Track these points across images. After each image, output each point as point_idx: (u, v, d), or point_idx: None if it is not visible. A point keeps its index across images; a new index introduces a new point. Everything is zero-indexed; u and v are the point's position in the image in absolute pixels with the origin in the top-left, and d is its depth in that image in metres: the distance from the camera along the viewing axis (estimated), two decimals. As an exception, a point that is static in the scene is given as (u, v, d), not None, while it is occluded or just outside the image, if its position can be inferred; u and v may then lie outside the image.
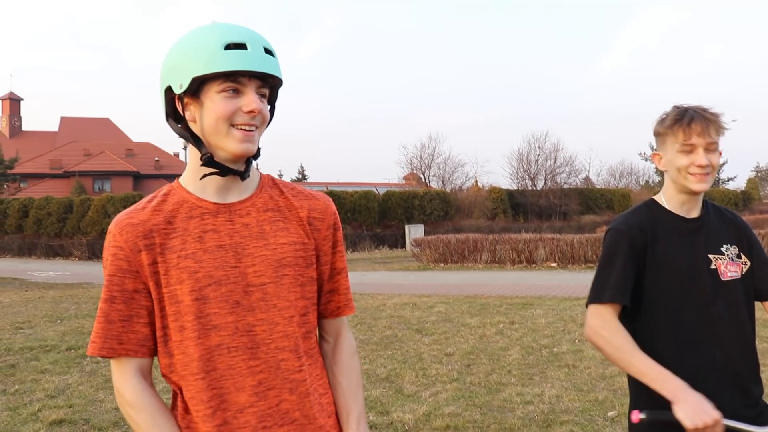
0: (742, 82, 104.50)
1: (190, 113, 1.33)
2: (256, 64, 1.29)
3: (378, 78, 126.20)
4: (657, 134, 1.92)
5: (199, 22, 1.41)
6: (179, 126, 1.36)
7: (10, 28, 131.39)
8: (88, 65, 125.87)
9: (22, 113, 66.08)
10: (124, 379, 1.33)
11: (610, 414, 4.62)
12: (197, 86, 1.29)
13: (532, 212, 39.55)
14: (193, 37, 1.31)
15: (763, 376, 2.01)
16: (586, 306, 1.89)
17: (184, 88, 1.29)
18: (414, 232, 28.40)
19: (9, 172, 41.77)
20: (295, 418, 1.35)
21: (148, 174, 54.07)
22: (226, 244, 1.34)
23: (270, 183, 1.47)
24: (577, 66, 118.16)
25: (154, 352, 1.36)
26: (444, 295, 11.67)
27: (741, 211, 42.51)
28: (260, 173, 1.48)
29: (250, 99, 1.30)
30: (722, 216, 1.99)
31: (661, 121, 1.90)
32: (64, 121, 64.52)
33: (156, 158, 56.33)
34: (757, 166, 66.59)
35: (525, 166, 44.06)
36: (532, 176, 43.69)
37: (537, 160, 43.78)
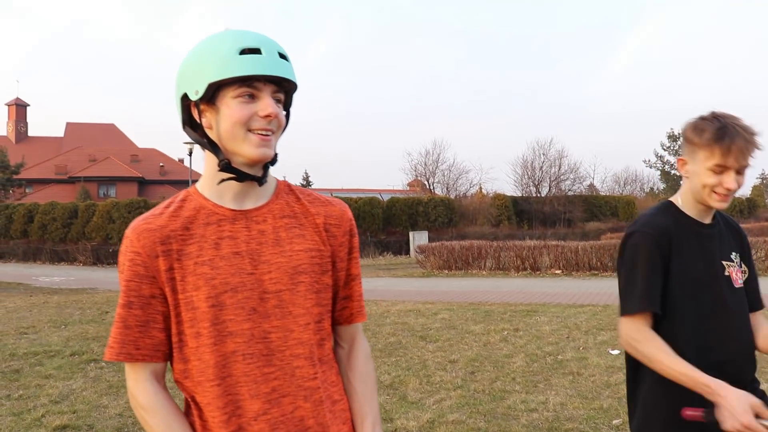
0: (749, 89, 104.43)
1: (207, 120, 1.33)
2: (271, 69, 1.29)
3: (382, 84, 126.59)
4: (690, 142, 1.83)
5: (205, 29, 1.41)
6: (196, 133, 1.37)
7: (17, 34, 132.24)
8: (94, 71, 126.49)
9: (28, 119, 66.39)
10: (138, 382, 1.33)
11: (615, 422, 4.60)
12: (213, 92, 1.29)
13: (537, 219, 39.51)
14: (207, 44, 1.32)
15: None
16: (620, 316, 1.86)
17: (200, 94, 1.29)
18: (418, 238, 28.38)
19: (15, 177, 41.91)
20: (309, 426, 1.35)
21: (152, 180, 54.23)
22: (242, 250, 1.34)
23: (286, 189, 1.47)
24: (582, 73, 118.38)
25: (168, 357, 1.36)
26: (448, 302, 11.66)
27: (746, 218, 42.42)
28: (276, 180, 1.48)
29: (266, 103, 1.30)
30: (727, 223, 2.00)
31: (699, 132, 1.80)
32: (70, 127, 64.83)
33: (161, 164, 56.52)
34: (762, 174, 66.51)
35: (529, 172, 44.06)
36: (537, 183, 43.69)
37: (541, 167, 43.79)
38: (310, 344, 1.36)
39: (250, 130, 1.30)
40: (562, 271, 17.35)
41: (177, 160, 58.54)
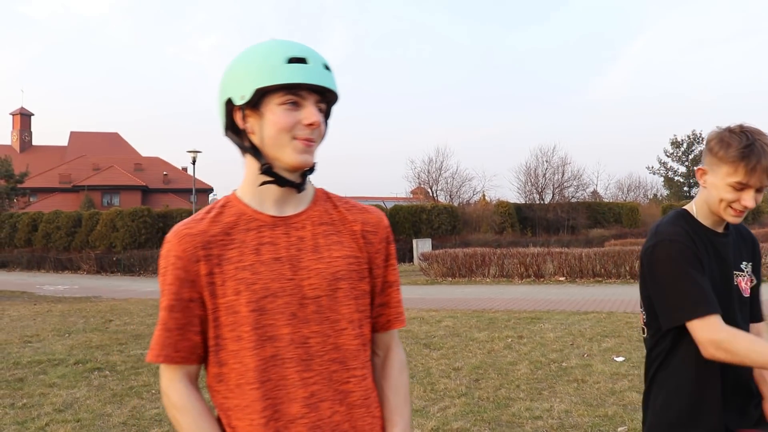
0: (753, 96, 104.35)
1: (250, 125, 1.36)
2: (317, 78, 1.32)
3: (385, 92, 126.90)
4: (713, 154, 1.79)
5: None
6: (238, 137, 1.39)
7: (21, 44, 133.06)
8: (98, 80, 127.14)
9: (33, 128, 66.70)
10: (173, 382, 1.36)
11: (619, 429, 4.58)
12: (258, 98, 1.32)
13: (540, 226, 39.52)
14: (254, 51, 1.35)
15: None
16: (684, 323, 1.76)
17: (246, 99, 1.32)
18: (421, 246, 28.40)
19: (19, 186, 42.07)
20: (345, 430, 1.36)
21: (156, 188, 54.43)
22: (282, 256, 1.36)
23: (324, 197, 1.49)
24: (585, 79, 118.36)
25: (202, 360, 1.39)
26: (452, 310, 11.65)
27: (750, 224, 42.29)
28: (315, 187, 1.51)
29: (310, 112, 1.33)
30: (739, 231, 2.00)
31: (725, 146, 1.75)
32: (74, 136, 65.12)
33: (164, 173, 56.71)
34: (766, 180, 66.27)
35: (533, 180, 44.14)
36: (540, 190, 43.74)
37: (545, 174, 43.87)
38: (347, 350, 1.38)
39: (293, 138, 1.33)
40: (566, 278, 17.32)
41: (180, 168, 58.76)
